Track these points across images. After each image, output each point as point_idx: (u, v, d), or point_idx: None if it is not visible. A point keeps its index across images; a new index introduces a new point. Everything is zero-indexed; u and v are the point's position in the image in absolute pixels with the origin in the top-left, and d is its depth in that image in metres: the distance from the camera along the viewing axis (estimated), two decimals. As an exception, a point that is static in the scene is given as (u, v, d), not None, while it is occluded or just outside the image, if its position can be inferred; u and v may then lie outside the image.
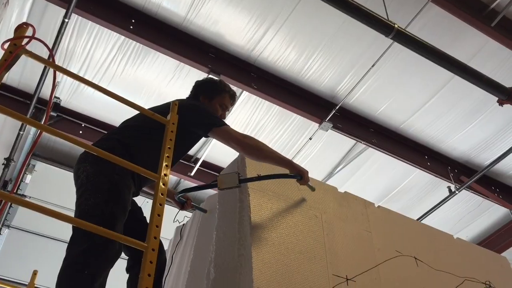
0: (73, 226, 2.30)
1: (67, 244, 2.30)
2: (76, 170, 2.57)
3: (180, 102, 2.94)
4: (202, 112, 2.92)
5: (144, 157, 2.59)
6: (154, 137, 2.63)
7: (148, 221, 2.87)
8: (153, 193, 3.10)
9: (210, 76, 5.25)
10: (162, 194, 2.20)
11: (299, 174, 2.76)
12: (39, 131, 5.69)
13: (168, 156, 2.36)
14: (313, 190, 2.99)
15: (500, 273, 3.69)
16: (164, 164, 2.32)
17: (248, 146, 2.73)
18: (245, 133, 3.26)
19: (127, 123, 2.93)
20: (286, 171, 2.78)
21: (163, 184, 2.24)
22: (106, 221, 2.18)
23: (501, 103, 4.66)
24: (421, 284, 3.17)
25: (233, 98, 3.28)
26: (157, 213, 2.11)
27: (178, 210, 3.30)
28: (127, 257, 2.81)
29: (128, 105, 2.50)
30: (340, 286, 2.78)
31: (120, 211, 2.41)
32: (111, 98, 2.46)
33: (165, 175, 2.28)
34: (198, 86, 3.26)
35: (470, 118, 6.05)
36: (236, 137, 2.76)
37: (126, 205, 2.49)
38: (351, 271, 2.91)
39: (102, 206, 2.34)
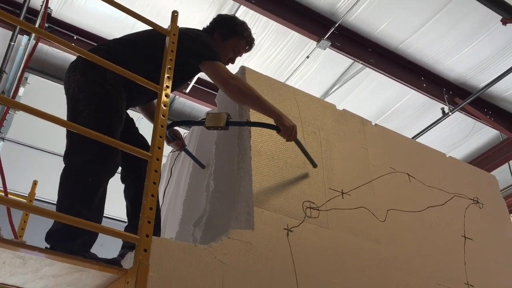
0: (70, 136, 2.30)
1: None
2: (66, 79, 2.47)
3: (185, 29, 2.74)
4: (200, 42, 2.72)
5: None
6: (147, 57, 2.53)
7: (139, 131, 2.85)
8: (144, 115, 3.06)
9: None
10: (164, 106, 2.19)
11: (283, 128, 2.56)
12: (29, 41, 5.59)
13: (170, 68, 2.32)
14: (315, 166, 2.88)
15: (488, 191, 3.82)
16: (166, 75, 2.29)
17: (233, 89, 2.58)
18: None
19: (120, 38, 2.76)
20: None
21: (166, 96, 2.22)
22: (104, 132, 2.17)
23: (504, 22, 4.57)
24: (413, 199, 3.29)
25: (249, 44, 3.02)
26: (160, 124, 2.12)
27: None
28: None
29: (123, 11, 2.35)
30: (336, 199, 2.88)
31: (117, 121, 2.39)
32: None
33: (167, 86, 2.26)
34: (218, 21, 3.00)
35: (470, 39, 5.94)
36: (222, 76, 2.59)
37: (122, 114, 2.45)
38: (346, 185, 3.00)
39: (97, 117, 2.30)
